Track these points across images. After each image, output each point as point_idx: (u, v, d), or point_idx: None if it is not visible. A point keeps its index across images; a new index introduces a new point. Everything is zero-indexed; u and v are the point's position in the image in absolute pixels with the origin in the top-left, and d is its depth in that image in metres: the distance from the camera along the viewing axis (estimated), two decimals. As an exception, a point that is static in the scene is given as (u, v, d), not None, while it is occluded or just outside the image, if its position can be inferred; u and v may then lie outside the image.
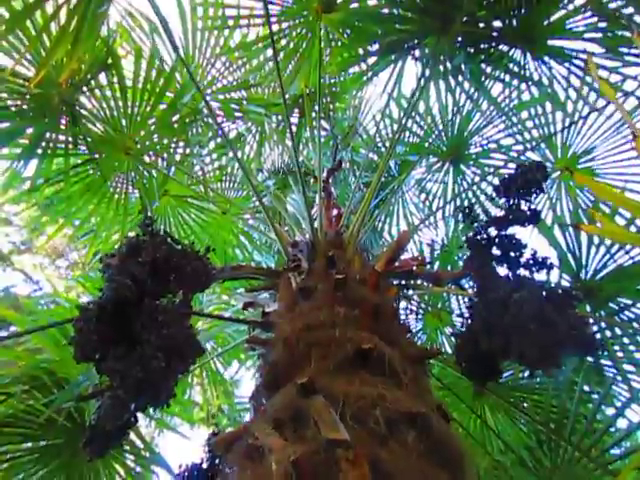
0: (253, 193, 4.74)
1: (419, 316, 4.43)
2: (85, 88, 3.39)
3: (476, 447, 3.58)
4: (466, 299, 3.68)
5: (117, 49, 3.61)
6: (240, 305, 2.77)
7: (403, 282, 2.86)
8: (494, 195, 2.10)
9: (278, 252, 4.84)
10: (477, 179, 4.38)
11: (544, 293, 1.71)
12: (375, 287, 2.09)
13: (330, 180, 4.47)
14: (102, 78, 3.48)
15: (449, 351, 4.55)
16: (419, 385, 1.43)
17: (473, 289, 2.21)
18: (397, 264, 2.54)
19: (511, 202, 2.01)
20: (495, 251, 2.07)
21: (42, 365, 2.98)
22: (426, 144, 4.45)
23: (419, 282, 2.90)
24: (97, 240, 4.14)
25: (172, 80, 3.71)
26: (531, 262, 1.99)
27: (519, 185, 1.94)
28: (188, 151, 4.08)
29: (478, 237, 2.07)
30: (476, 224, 2.12)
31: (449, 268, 4.39)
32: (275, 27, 3.73)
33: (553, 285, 1.92)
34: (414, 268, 2.49)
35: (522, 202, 2.01)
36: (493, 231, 2.09)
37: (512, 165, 4.07)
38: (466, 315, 2.09)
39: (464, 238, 2.11)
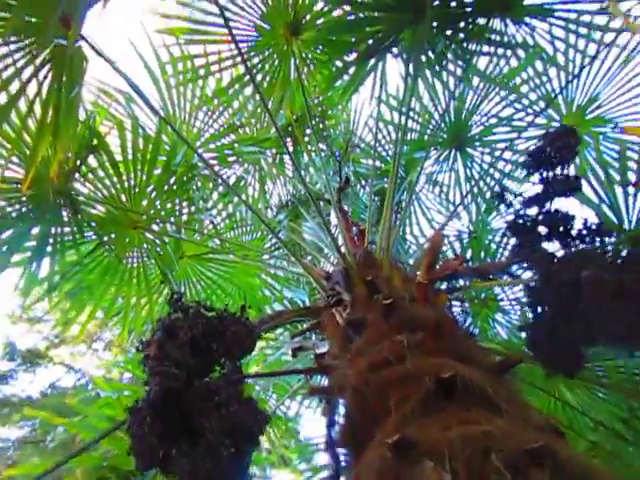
0: (268, 231, 4.65)
1: (467, 309, 4.26)
2: (77, 174, 3.33)
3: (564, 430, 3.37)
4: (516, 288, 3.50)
5: (99, 128, 3.56)
6: (289, 351, 2.64)
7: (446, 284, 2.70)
8: (524, 171, 1.96)
9: (308, 283, 4.71)
10: (487, 158, 4.24)
11: (615, 262, 1.55)
12: (426, 301, 1.94)
13: (341, 199, 4.36)
14: (91, 159, 3.42)
15: (504, 337, 4.36)
16: (514, 403, 1.27)
17: (524, 276, 2.06)
18: (438, 268, 2.40)
19: (545, 175, 1.87)
20: (542, 230, 1.93)
21: (104, 464, 2.87)
22: (426, 137, 4.33)
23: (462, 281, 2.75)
24: (127, 319, 4.05)
25: (160, 143, 3.63)
26: (584, 232, 1.84)
27: (551, 155, 1.79)
28: (194, 208, 3.99)
29: (520, 220, 1.92)
30: (513, 207, 1.98)
31: (482, 254, 4.24)
32: (248, 63, 3.65)
33: (612, 250, 1.77)
34: (457, 268, 2.34)
35: (557, 171, 1.87)
36: (533, 210, 1.94)
37: (523, 135, 3.92)
38: (528, 305, 1.93)
39: (505, 225, 1.96)
